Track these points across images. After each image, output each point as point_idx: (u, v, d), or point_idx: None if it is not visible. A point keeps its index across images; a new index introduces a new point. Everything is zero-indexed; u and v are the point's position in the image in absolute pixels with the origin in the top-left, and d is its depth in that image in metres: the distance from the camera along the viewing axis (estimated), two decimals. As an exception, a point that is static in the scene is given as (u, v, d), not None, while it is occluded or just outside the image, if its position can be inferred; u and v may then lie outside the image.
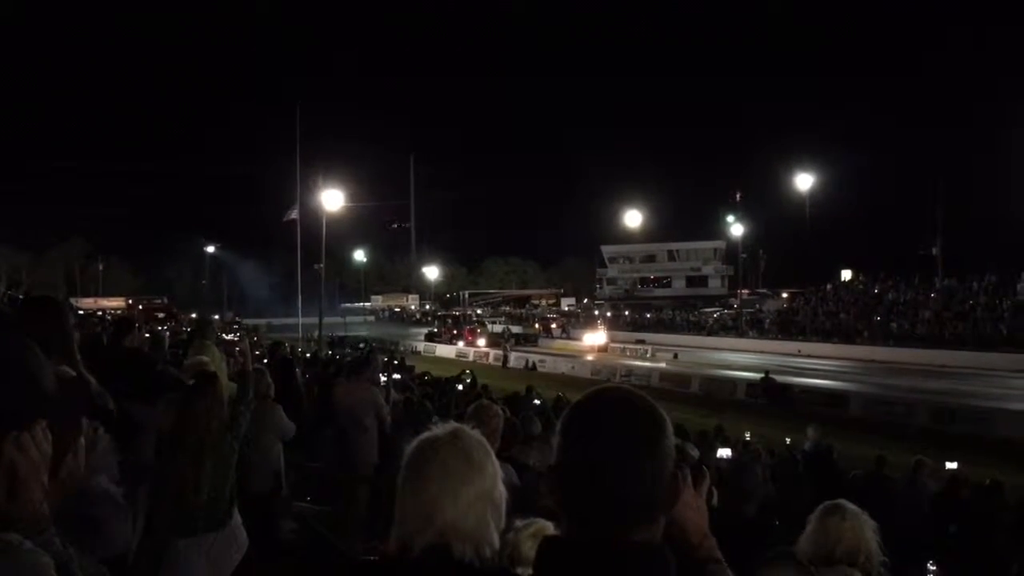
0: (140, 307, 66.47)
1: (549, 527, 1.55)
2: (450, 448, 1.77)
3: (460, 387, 18.17)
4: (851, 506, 3.28)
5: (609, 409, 1.48)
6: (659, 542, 1.46)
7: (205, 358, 5.78)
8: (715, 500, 4.56)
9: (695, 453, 4.86)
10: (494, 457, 1.82)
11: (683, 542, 1.64)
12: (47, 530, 1.44)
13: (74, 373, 1.74)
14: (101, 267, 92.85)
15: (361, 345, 38.59)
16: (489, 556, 1.73)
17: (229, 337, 12.06)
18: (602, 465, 1.42)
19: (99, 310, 54.42)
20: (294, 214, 43.43)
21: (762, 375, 29.01)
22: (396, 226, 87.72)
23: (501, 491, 1.79)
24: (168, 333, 22.37)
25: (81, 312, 37.70)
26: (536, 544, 1.57)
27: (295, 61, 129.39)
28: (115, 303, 75.78)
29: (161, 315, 55.92)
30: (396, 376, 15.47)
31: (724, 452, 8.90)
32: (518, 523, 1.95)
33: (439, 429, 1.83)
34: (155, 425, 5.08)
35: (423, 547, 1.70)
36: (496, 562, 1.75)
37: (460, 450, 1.77)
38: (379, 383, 9.06)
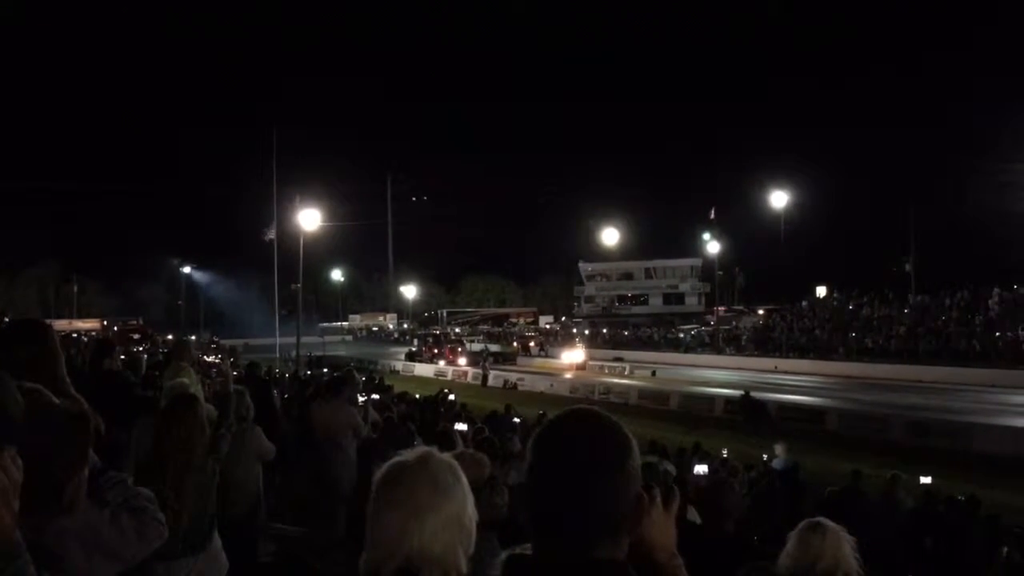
0: (115, 328, 65.76)
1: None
2: (418, 474, 1.78)
3: (447, 403, 18.20)
4: (831, 524, 3.31)
5: (576, 430, 1.53)
6: (622, 559, 1.51)
7: (185, 380, 5.75)
8: (689, 515, 4.59)
9: (672, 470, 4.88)
10: (465, 481, 1.83)
11: (651, 561, 1.66)
12: (21, 556, 1.45)
13: (61, 401, 1.75)
14: (75, 289, 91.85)
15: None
16: None
17: (208, 359, 12.00)
18: (568, 484, 1.47)
19: (74, 332, 53.87)
20: (272, 233, 43.20)
21: (741, 393, 29.13)
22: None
23: (471, 515, 1.80)
24: (145, 355, 22.17)
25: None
26: None
27: (271, 78, 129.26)
28: (90, 325, 74.99)
29: (136, 336, 55.35)
30: (375, 396, 15.44)
31: (700, 468, 8.94)
32: (503, 556, 1.97)
33: (408, 454, 1.83)
34: (133, 449, 5.06)
35: (391, 573, 1.71)
36: None
37: (428, 476, 1.77)
38: (357, 403, 9.05)
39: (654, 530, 1.64)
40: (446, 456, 1.87)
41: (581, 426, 1.54)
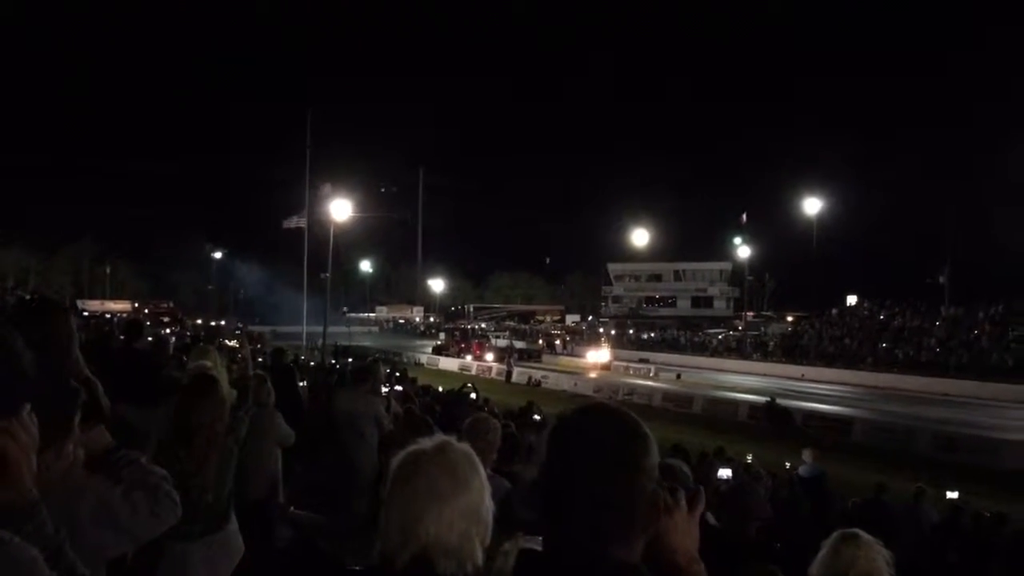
0: (146, 311, 66.51)
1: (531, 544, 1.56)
2: (436, 463, 1.77)
3: (473, 397, 18.20)
4: (866, 536, 3.28)
5: (592, 426, 1.50)
6: (635, 560, 1.47)
7: (207, 363, 5.78)
8: (711, 520, 4.52)
9: (688, 473, 4.77)
10: (482, 471, 1.82)
11: (672, 565, 1.62)
12: (40, 513, 1.46)
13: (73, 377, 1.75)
14: (108, 270, 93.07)
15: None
16: (472, 572, 1.73)
17: (231, 343, 12.08)
18: (581, 482, 1.44)
19: (106, 312, 54.64)
20: (301, 222, 43.41)
21: (767, 400, 28.83)
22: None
23: (488, 506, 1.79)
24: (173, 337, 22.40)
25: (86, 314, 37.79)
26: None
27: (305, 66, 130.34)
28: (121, 306, 75.97)
29: (166, 319, 55.97)
30: (397, 387, 15.45)
31: (724, 472, 8.85)
32: (506, 546, 1.96)
33: (426, 443, 1.82)
34: (155, 430, 5.08)
35: (406, 561, 1.70)
36: None
37: (446, 465, 1.76)
38: (380, 393, 9.05)
39: (676, 533, 1.60)
40: (464, 446, 1.85)
41: (596, 422, 1.50)
